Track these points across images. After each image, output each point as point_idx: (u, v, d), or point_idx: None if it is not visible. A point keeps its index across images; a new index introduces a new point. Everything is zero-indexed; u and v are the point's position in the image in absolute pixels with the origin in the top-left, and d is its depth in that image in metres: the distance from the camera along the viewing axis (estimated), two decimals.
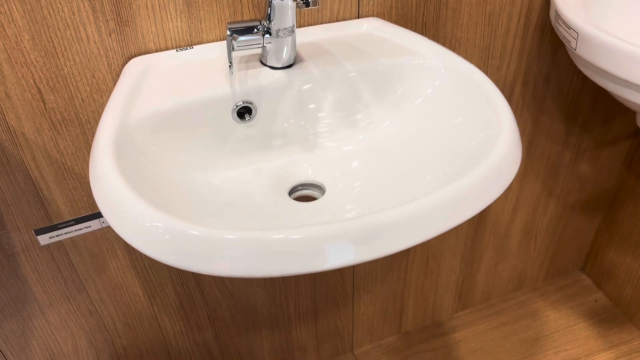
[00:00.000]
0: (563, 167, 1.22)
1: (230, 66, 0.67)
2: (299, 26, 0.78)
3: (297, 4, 0.58)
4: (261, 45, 0.69)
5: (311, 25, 0.79)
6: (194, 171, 0.69)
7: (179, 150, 0.68)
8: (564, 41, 0.84)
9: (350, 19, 0.80)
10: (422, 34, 0.87)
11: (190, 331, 1.09)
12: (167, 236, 0.52)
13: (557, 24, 0.85)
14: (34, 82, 0.70)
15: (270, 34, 0.68)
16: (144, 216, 0.53)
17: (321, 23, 0.79)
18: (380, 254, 0.53)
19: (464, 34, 0.90)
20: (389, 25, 0.80)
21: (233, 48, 0.67)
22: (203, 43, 0.75)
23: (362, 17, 0.81)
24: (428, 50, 0.74)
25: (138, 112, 0.64)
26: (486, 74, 0.95)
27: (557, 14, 0.84)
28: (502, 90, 1.01)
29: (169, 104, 0.66)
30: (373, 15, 0.82)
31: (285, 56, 0.71)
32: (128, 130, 0.62)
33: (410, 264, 1.24)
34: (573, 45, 0.81)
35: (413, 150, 0.72)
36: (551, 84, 1.05)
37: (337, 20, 0.80)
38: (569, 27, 0.81)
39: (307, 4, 0.58)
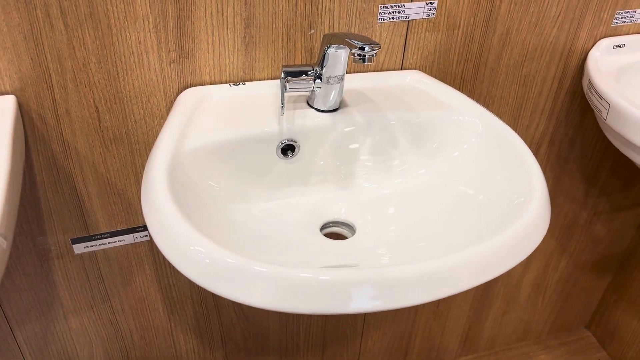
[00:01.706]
0: (579, 226, 1.25)
1: (282, 106, 0.70)
2: (346, 73, 0.82)
3: (353, 58, 0.62)
4: (311, 89, 0.73)
5: (357, 72, 0.83)
6: (235, 200, 0.72)
7: (223, 179, 0.71)
8: (594, 109, 0.88)
9: (394, 69, 0.85)
10: (459, 89, 0.90)
11: (202, 350, 1.11)
12: (206, 260, 0.55)
13: (589, 92, 0.89)
14: (94, 101, 0.74)
15: (321, 79, 0.72)
16: (189, 240, 0.56)
17: (367, 71, 0.83)
18: (402, 305, 0.55)
19: (499, 92, 0.94)
20: (429, 78, 0.84)
21: (286, 89, 0.71)
22: (255, 80, 0.79)
23: (405, 69, 0.85)
24: (466, 107, 0.78)
25: (191, 141, 0.68)
26: (515, 131, 1.00)
27: (590, 83, 0.88)
28: (529, 148, 1.04)
29: (221, 136, 0.70)
30: (415, 68, 0.86)
31: (332, 100, 0.75)
32: (180, 158, 0.66)
33: (422, 305, 1.26)
34: (603, 114, 0.85)
35: (444, 202, 0.75)
36: (576, 146, 1.08)
37: (382, 70, 0.84)
38: (601, 97, 0.85)
39: (363, 60, 0.61)
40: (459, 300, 1.29)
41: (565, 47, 0.92)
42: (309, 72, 0.72)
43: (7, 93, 0.70)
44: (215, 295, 1.03)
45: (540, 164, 1.09)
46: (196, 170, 0.68)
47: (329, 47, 0.69)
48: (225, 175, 0.72)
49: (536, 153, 1.06)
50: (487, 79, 0.91)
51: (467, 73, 0.89)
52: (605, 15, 0.91)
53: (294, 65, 0.72)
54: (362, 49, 0.61)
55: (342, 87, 0.74)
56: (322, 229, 0.76)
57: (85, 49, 0.69)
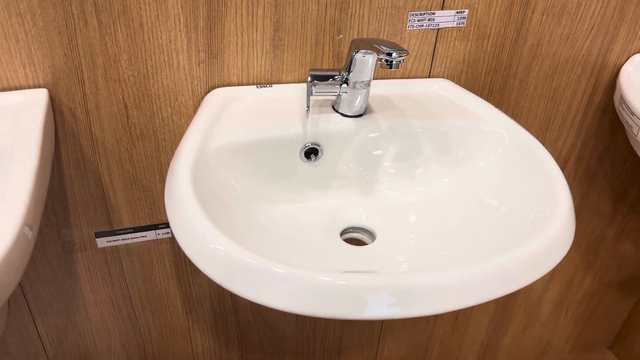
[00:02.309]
0: (605, 244, 1.23)
1: (307, 110, 0.71)
2: (373, 78, 0.82)
3: (381, 64, 0.62)
4: (337, 94, 0.73)
5: (384, 79, 0.83)
6: (257, 201, 0.73)
7: (246, 179, 0.72)
8: (625, 125, 0.86)
9: (422, 77, 0.84)
10: (487, 99, 0.90)
11: (218, 349, 1.12)
12: (225, 259, 0.56)
13: (620, 108, 0.88)
14: (123, 97, 0.75)
15: (347, 84, 0.72)
16: (210, 238, 0.56)
17: (394, 78, 0.83)
18: (419, 314, 0.55)
19: (527, 104, 0.93)
20: (457, 87, 0.83)
21: (312, 93, 0.71)
22: (282, 83, 0.79)
23: (433, 77, 0.85)
24: (492, 118, 0.77)
25: (216, 140, 0.69)
26: (543, 145, 0.98)
27: (622, 98, 0.87)
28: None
29: (245, 137, 0.70)
30: (443, 77, 0.85)
31: (358, 106, 0.75)
32: (205, 156, 0.67)
33: (440, 318, 1.25)
34: (635, 131, 0.83)
35: (466, 212, 0.74)
36: (605, 162, 1.06)
37: (409, 77, 0.84)
38: (633, 114, 0.83)
39: (390, 66, 0.61)
40: (478, 313, 1.28)
41: (597, 61, 0.91)
42: (336, 77, 0.72)
43: (40, 86, 0.72)
44: (234, 296, 1.03)
45: (568, 179, 1.07)
46: (220, 170, 0.69)
47: (357, 52, 0.69)
48: (248, 175, 0.72)
49: (563, 168, 1.04)
50: (515, 90, 0.90)
51: (495, 84, 0.88)
52: None
53: (321, 70, 0.73)
54: (390, 54, 0.61)
55: (368, 92, 0.74)
56: (342, 234, 0.76)
57: (117, 45, 0.71)
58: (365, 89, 0.73)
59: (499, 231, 0.69)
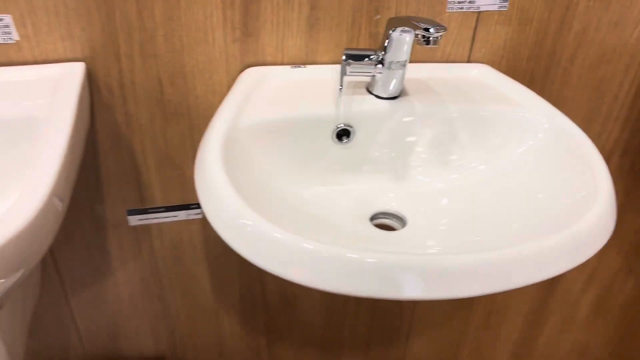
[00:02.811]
0: None
1: (340, 89, 0.70)
2: (410, 62, 0.81)
3: (417, 40, 0.60)
4: (372, 74, 0.72)
5: (422, 62, 0.81)
6: (287, 180, 0.72)
7: (277, 158, 0.71)
8: None
9: (461, 62, 0.82)
10: (528, 87, 0.87)
11: (245, 335, 1.12)
12: (254, 234, 0.55)
13: None
14: (158, 74, 0.75)
15: (382, 65, 0.71)
16: (238, 212, 0.56)
17: (432, 62, 0.81)
18: (447, 295, 0.53)
19: (570, 93, 0.89)
20: (497, 73, 0.81)
21: (345, 73, 0.70)
22: (317, 64, 0.78)
23: (472, 62, 0.83)
24: (533, 105, 0.75)
25: (248, 118, 0.68)
26: None
27: None
28: None
29: (277, 116, 0.70)
30: (483, 62, 0.83)
31: (393, 88, 0.73)
32: (236, 133, 0.66)
33: (472, 315, 1.22)
34: None
35: (501, 200, 0.72)
36: None
37: (448, 62, 0.82)
38: None
39: (427, 42, 0.60)
40: (512, 312, 1.24)
41: None
42: (371, 57, 0.71)
43: (78, 60, 0.73)
44: (262, 281, 1.03)
45: (611, 174, 1.03)
46: (251, 147, 0.68)
47: (394, 30, 0.67)
48: (279, 154, 0.72)
49: (607, 162, 1.00)
50: (559, 79, 0.87)
51: (537, 71, 0.85)
52: None
53: (357, 49, 0.71)
54: (427, 29, 0.60)
55: (403, 74, 0.72)
56: (372, 219, 0.75)
57: (153, 21, 0.71)
58: (400, 70, 0.71)
59: (535, 218, 0.66)
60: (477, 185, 0.75)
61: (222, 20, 0.73)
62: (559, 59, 0.85)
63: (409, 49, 0.69)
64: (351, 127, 0.74)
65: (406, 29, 0.67)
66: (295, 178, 0.73)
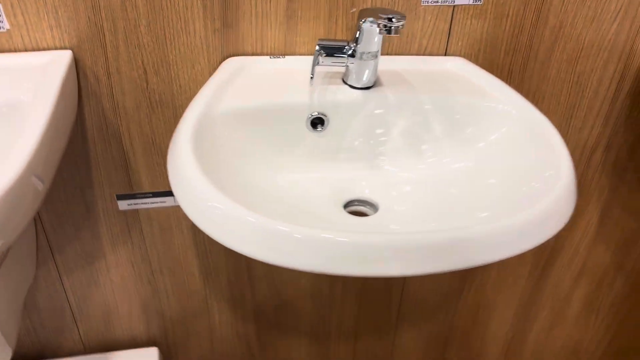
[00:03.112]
0: (638, 243, 1.18)
1: (311, 78, 0.72)
2: (386, 54, 0.83)
3: (379, 30, 0.62)
4: (345, 65, 0.74)
5: (398, 55, 0.83)
6: (261, 167, 0.75)
7: (252, 145, 0.74)
8: None
9: (437, 55, 0.84)
10: (506, 81, 0.88)
11: (234, 322, 1.15)
12: (224, 218, 0.58)
13: None
14: (142, 63, 0.79)
15: (354, 56, 0.73)
16: (207, 196, 0.59)
17: (408, 54, 0.83)
18: (415, 272, 0.56)
19: (550, 88, 0.91)
20: (473, 67, 0.83)
21: (318, 63, 0.73)
22: (295, 55, 0.81)
23: (449, 55, 0.84)
24: (503, 95, 0.76)
25: (223, 105, 0.71)
26: (566, 133, 0.96)
27: None
28: (581, 153, 1.00)
29: (251, 103, 0.72)
30: (460, 55, 0.85)
31: (366, 78, 0.75)
32: (211, 119, 0.69)
33: (461, 308, 1.24)
34: None
35: (472, 188, 0.74)
36: (636, 154, 1.02)
37: (424, 54, 0.84)
38: None
39: (389, 31, 0.62)
40: (502, 306, 1.25)
41: (625, 46, 0.88)
42: (345, 48, 0.73)
43: (66, 48, 0.76)
44: (249, 268, 1.06)
45: (594, 170, 1.04)
46: (225, 133, 0.71)
47: (364, 21, 0.70)
48: (254, 141, 0.74)
49: (589, 159, 1.01)
50: (536, 73, 0.88)
51: (515, 65, 0.87)
52: None
53: (330, 40, 0.74)
54: (390, 19, 0.62)
55: (376, 64, 0.74)
56: (345, 206, 0.77)
57: (136, 11, 0.74)
58: (372, 60, 0.73)
59: (504, 202, 0.68)
60: (448, 173, 0.77)
61: (202, 11, 0.75)
62: (536, 53, 0.86)
63: (380, 41, 0.71)
64: (325, 115, 0.76)
65: (376, 20, 0.69)
66: (271, 165, 0.76)
